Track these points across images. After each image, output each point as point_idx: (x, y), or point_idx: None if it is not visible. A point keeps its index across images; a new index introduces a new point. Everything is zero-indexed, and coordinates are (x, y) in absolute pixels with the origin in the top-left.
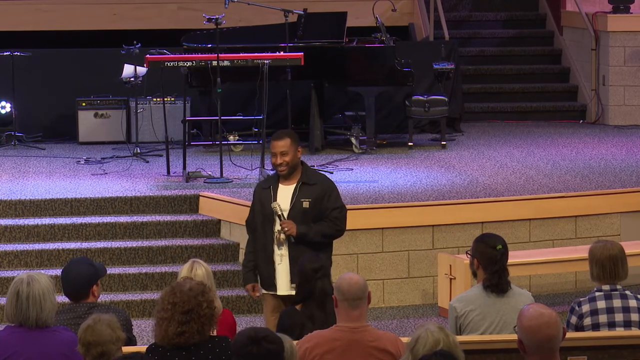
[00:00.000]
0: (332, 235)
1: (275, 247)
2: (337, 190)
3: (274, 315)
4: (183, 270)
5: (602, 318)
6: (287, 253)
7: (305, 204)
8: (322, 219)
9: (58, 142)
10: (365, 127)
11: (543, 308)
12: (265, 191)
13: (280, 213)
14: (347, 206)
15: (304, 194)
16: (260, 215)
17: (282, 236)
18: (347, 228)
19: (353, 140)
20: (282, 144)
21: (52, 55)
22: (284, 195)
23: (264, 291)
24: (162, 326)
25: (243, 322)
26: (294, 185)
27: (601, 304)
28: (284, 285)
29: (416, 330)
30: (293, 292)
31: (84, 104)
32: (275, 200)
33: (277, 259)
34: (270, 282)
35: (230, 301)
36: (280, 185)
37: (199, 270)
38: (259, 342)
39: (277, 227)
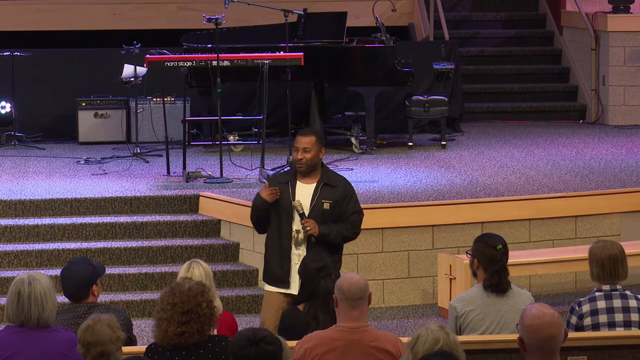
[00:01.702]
0: (350, 238)
1: (293, 246)
2: (356, 193)
3: (277, 315)
4: (182, 270)
5: (602, 318)
6: (304, 253)
7: (326, 205)
8: (340, 221)
9: (58, 142)
10: (365, 127)
11: (546, 308)
12: (282, 186)
13: (302, 211)
14: None
15: (325, 195)
16: (275, 210)
17: (301, 236)
18: None
19: (353, 140)
20: (307, 141)
21: (52, 55)
22: (304, 193)
23: (271, 288)
24: (162, 326)
25: (243, 322)
26: (314, 184)
27: (601, 304)
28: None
29: (417, 329)
30: None
31: (84, 104)
32: (294, 197)
33: (294, 258)
34: (283, 279)
35: (230, 301)
36: (298, 182)
37: (197, 270)
38: (257, 343)
39: (296, 226)
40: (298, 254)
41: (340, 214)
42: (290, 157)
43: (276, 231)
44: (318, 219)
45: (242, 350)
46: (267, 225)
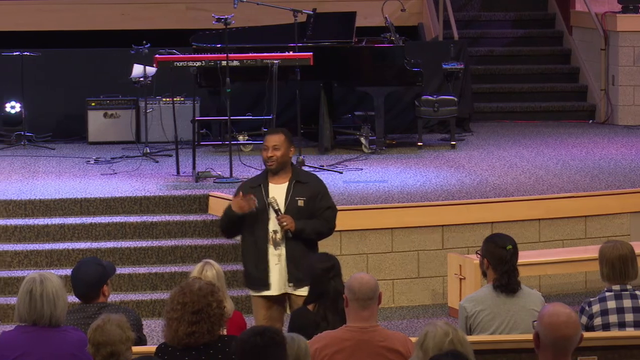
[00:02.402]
0: (325, 234)
1: (271, 247)
2: (327, 189)
3: (267, 318)
4: (194, 271)
5: (613, 318)
6: (284, 252)
7: (300, 202)
8: (314, 218)
9: (68, 142)
10: (375, 127)
11: (566, 308)
12: (255, 190)
13: (277, 207)
14: (357, 206)
15: (298, 192)
16: (250, 214)
17: (279, 236)
18: (357, 228)
19: (362, 140)
20: (276, 139)
21: (61, 56)
22: (277, 193)
23: (253, 293)
24: (172, 326)
25: (252, 322)
26: (286, 183)
27: (611, 304)
28: (279, 285)
29: (424, 328)
30: (289, 291)
31: (93, 104)
32: (268, 198)
33: (273, 259)
34: (261, 282)
35: (240, 301)
36: (270, 183)
37: (209, 272)
38: (263, 333)
39: (273, 226)
40: (277, 254)
41: (314, 211)
42: (300, 157)
43: (250, 234)
44: (293, 216)
45: (249, 340)
46: (236, 233)
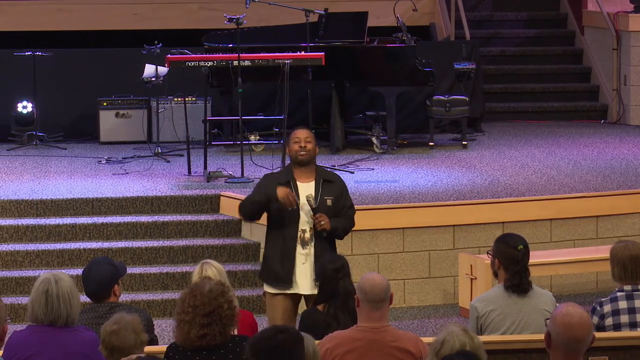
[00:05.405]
0: (348, 232)
1: (299, 246)
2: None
3: (283, 318)
4: (194, 273)
5: (624, 318)
6: (312, 252)
7: (329, 202)
8: (339, 216)
9: (79, 141)
10: (386, 127)
11: (580, 309)
12: (284, 186)
13: (315, 206)
14: (368, 206)
15: (326, 191)
16: (278, 211)
17: (307, 235)
18: (368, 228)
19: (374, 140)
20: (307, 132)
21: (73, 55)
22: (306, 192)
23: (273, 291)
24: (184, 329)
25: (264, 322)
26: (313, 182)
27: (622, 304)
28: (307, 285)
29: (440, 332)
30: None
31: (105, 104)
32: (298, 196)
33: (300, 258)
34: (284, 279)
35: (251, 301)
36: (298, 182)
37: (210, 271)
38: (282, 331)
39: (302, 226)
40: (305, 254)
41: (339, 209)
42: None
43: (280, 232)
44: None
45: (270, 340)
46: (256, 219)
